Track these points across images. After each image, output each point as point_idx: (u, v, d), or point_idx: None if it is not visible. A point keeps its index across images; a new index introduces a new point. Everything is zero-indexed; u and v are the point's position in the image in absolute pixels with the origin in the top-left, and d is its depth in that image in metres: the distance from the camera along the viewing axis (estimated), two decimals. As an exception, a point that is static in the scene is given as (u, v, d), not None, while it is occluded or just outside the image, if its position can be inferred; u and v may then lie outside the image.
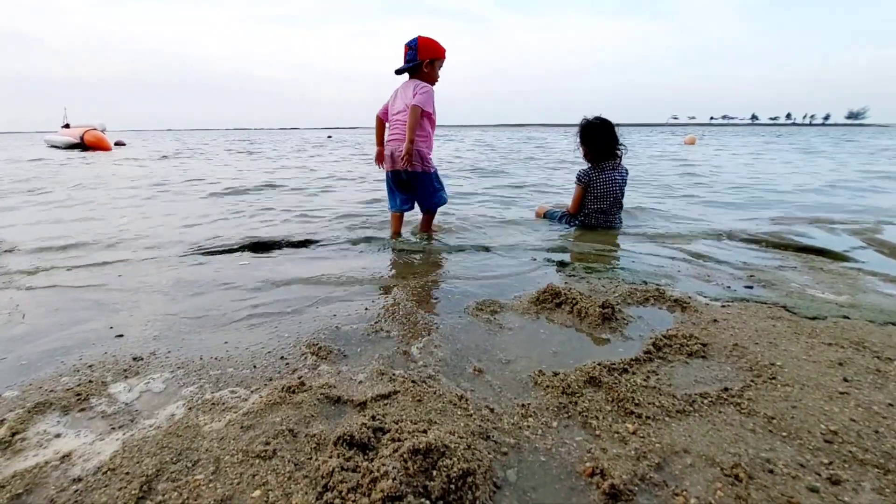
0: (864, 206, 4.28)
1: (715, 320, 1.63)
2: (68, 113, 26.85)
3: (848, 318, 1.65)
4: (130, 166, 9.67)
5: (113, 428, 1.08)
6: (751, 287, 2.01)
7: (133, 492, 0.86)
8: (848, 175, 6.99)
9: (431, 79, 2.87)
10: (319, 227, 3.40)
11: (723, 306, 1.78)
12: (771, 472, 0.91)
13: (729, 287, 2.02)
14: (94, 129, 18.70)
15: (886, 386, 1.20)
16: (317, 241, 2.95)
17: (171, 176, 7.57)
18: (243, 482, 0.89)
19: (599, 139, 3.18)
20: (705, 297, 1.90)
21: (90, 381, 1.29)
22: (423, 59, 2.80)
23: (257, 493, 0.87)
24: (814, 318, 1.64)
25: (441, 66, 2.90)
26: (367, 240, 2.97)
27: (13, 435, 1.04)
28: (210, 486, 0.88)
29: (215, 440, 1.02)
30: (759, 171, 7.75)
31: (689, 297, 1.85)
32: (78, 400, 1.20)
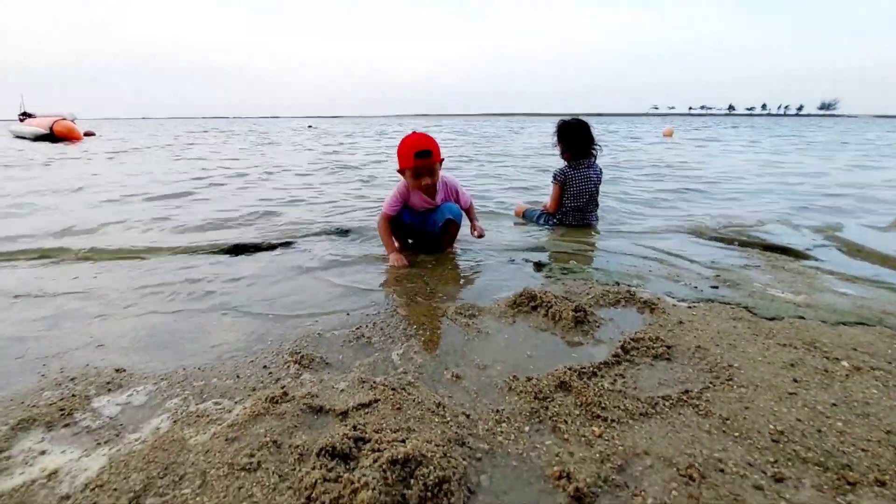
0: (835, 204, 4.46)
1: (681, 322, 1.72)
2: (25, 101, 25.66)
3: (803, 318, 1.75)
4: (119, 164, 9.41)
5: (99, 443, 1.11)
6: (716, 287, 2.11)
7: (122, 508, 0.90)
8: (828, 169, 7.23)
9: (410, 186, 2.60)
10: (300, 229, 3.40)
11: (689, 307, 1.87)
12: (722, 471, 0.99)
13: (696, 287, 2.11)
14: (64, 119, 18.08)
15: (832, 386, 1.29)
16: (298, 243, 2.96)
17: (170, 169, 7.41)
18: (229, 495, 0.93)
19: (576, 138, 3.27)
20: (673, 297, 1.99)
21: (73, 395, 1.30)
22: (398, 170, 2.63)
23: (243, 505, 0.91)
24: (772, 319, 1.74)
25: (415, 174, 2.51)
26: (348, 242, 2.99)
27: (-2, 453, 1.06)
28: (197, 499, 0.92)
29: (201, 453, 1.05)
30: (734, 165, 7.97)
31: (658, 299, 1.94)
32: (62, 415, 1.22)
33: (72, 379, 1.40)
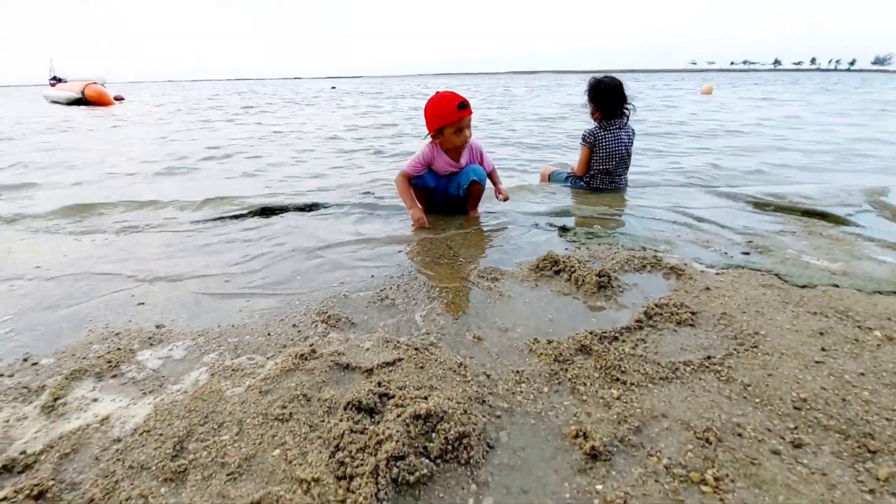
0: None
1: (708, 288, 1.69)
2: (55, 65, 26.16)
3: (838, 286, 1.70)
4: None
5: (144, 393, 1.20)
6: (747, 253, 2.06)
7: (167, 451, 0.98)
8: (878, 131, 6.79)
9: (448, 145, 2.56)
10: (325, 192, 3.44)
11: (717, 274, 1.84)
12: (739, 435, 1.00)
13: (726, 253, 2.06)
14: (95, 84, 18.43)
15: (861, 355, 1.27)
16: (323, 206, 3.00)
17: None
18: (264, 442, 1.00)
19: (608, 97, 3.15)
20: (701, 263, 1.95)
21: (119, 349, 1.40)
22: (430, 132, 2.58)
23: (277, 451, 0.98)
24: (804, 287, 1.69)
25: (456, 129, 2.47)
26: (372, 206, 3.02)
27: (55, 400, 1.16)
28: (235, 445, 1.00)
29: (237, 404, 1.13)
30: (775, 125, 7.55)
31: (685, 264, 1.91)
32: (109, 367, 1.31)
33: (116, 334, 1.49)
